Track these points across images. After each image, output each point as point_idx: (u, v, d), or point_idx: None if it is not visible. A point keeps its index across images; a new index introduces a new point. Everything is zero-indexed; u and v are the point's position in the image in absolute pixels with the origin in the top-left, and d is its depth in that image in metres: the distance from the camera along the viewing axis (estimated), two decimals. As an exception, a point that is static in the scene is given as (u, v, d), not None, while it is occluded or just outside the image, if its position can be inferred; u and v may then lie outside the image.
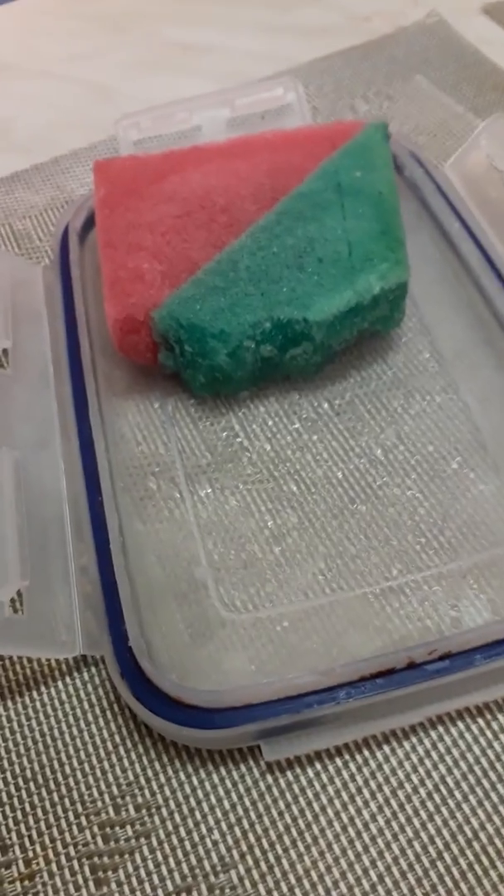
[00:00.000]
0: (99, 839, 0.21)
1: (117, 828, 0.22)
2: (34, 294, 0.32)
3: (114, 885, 0.21)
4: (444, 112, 0.40)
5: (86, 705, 0.24)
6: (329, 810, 0.21)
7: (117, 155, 0.36)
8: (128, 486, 0.27)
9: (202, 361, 0.27)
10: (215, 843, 0.21)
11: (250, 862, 0.21)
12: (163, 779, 0.22)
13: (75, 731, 0.23)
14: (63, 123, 0.42)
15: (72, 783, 0.22)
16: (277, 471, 0.27)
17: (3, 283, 0.30)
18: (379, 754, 0.22)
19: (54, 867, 0.21)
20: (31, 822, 0.22)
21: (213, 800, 0.22)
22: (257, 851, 0.21)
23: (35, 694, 0.24)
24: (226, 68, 0.44)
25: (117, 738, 0.23)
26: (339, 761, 0.22)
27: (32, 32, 0.50)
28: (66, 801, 0.22)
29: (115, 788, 0.22)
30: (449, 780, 0.21)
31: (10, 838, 0.22)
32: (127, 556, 0.25)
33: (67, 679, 0.24)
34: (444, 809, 0.21)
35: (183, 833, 0.21)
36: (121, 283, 0.28)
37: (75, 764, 0.23)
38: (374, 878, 0.20)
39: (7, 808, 0.22)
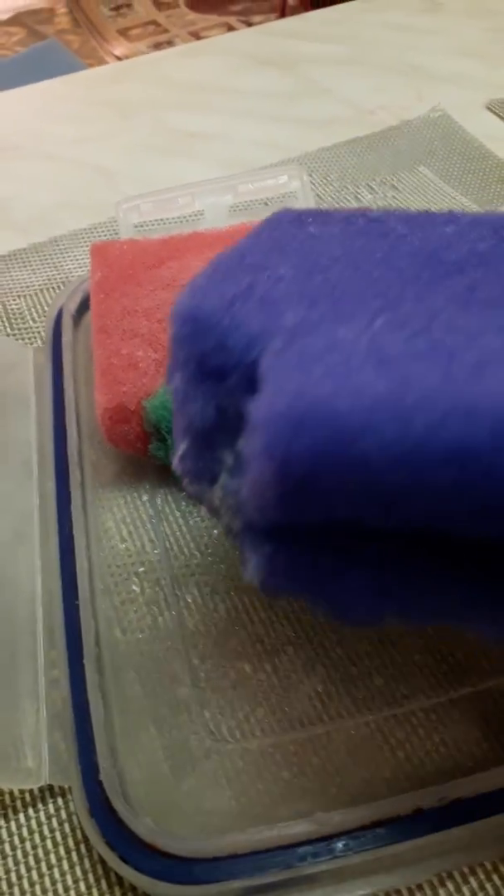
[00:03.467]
0: None
1: None
2: (23, 377, 0.31)
3: None
4: (450, 203, 0.39)
5: (49, 844, 0.21)
6: None
7: (117, 237, 0.36)
8: (108, 588, 0.25)
9: (195, 455, 0.25)
10: None
11: None
12: (132, 938, 0.19)
13: (35, 876, 0.21)
14: (64, 205, 0.42)
15: (28, 940, 0.19)
16: (272, 576, 0.25)
17: (-10, 365, 0.29)
18: (382, 917, 0.19)
19: None
20: None
21: None
22: None
23: (-9, 828, 0.21)
24: (229, 156, 0.44)
25: (83, 886, 0.20)
26: (335, 924, 0.19)
27: (39, 116, 0.50)
28: None
29: None
30: None
31: None
32: (103, 671, 0.22)
33: (31, 811, 0.22)
34: None
35: None
36: (113, 370, 0.27)
37: (33, 915, 0.20)
38: None
39: None
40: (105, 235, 0.40)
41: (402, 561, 0.15)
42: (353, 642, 0.23)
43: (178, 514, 0.27)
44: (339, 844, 0.19)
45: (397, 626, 0.18)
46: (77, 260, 0.38)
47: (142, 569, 0.26)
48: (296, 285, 0.17)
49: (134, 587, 0.25)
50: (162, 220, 0.36)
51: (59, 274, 0.38)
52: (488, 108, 0.44)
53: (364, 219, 0.20)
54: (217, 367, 0.17)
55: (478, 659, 0.22)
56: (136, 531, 0.27)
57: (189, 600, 0.25)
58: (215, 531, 0.26)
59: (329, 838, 0.19)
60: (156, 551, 0.26)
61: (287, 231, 0.20)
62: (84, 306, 0.33)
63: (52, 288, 0.37)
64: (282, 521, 0.15)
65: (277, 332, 0.16)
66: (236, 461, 0.17)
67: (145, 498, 0.28)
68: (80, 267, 0.38)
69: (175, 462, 0.19)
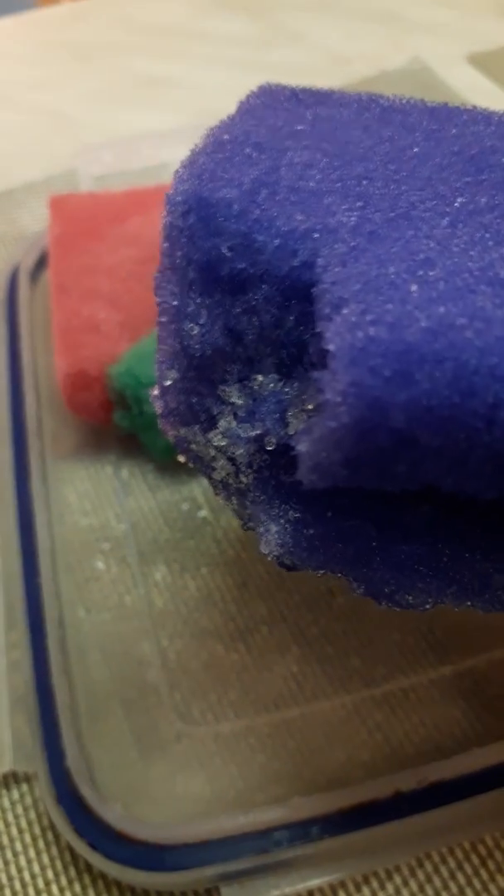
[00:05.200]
0: None
1: None
2: (-24, 339, 0.29)
3: None
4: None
5: (14, 830, 0.20)
6: None
7: (76, 190, 0.34)
8: (71, 566, 0.24)
9: (162, 424, 0.24)
10: None
11: None
12: (101, 928, 0.19)
13: (0, 863, 0.20)
14: (19, 154, 0.39)
15: (-8, 932, 0.19)
16: (245, 551, 0.24)
17: None
18: (358, 900, 0.19)
19: None
20: None
21: None
22: None
23: (-49, 817, 0.20)
24: (195, 104, 0.42)
25: (50, 874, 0.20)
26: (311, 908, 0.19)
27: (-7, 57, 0.47)
28: None
29: (43, 940, 0.18)
30: (440, 934, 0.18)
31: None
32: (66, 652, 0.21)
33: (-7, 798, 0.21)
34: None
35: None
36: (73, 332, 0.25)
37: (-2, 905, 0.19)
38: None
39: None
40: (63, 187, 0.37)
41: (465, 530, 0.12)
42: (329, 621, 0.22)
43: (145, 486, 0.26)
44: (315, 829, 0.18)
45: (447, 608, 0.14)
46: (33, 213, 0.36)
47: (107, 545, 0.24)
48: (334, 174, 0.14)
49: (99, 564, 0.24)
50: (124, 171, 0.33)
51: (13, 229, 0.35)
52: (469, 61, 0.42)
53: (378, 106, 0.17)
54: (234, 275, 0.13)
55: (457, 637, 0.22)
56: (101, 505, 0.25)
57: (158, 578, 0.24)
58: (185, 505, 0.25)
59: (305, 823, 0.18)
60: (121, 526, 0.25)
61: (289, 109, 0.16)
62: (42, 263, 0.31)
63: (6, 244, 0.34)
64: (342, 483, 0.12)
65: (333, 232, 0.12)
66: (249, 401, 0.14)
67: (110, 470, 0.26)
68: (37, 221, 0.35)
69: (154, 396, 0.15)
